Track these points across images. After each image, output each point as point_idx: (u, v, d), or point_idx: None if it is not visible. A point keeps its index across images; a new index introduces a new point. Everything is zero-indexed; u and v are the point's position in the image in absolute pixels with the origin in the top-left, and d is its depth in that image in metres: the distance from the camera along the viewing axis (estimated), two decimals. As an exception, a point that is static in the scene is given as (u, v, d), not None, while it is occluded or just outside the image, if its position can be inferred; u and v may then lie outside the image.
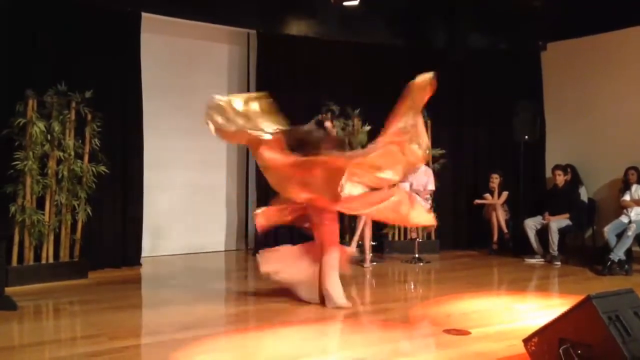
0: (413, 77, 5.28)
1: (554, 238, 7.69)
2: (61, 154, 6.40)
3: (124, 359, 3.94)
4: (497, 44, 9.14)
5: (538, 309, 5.28)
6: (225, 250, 8.69)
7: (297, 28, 8.71)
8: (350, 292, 6.40)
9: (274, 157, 5.09)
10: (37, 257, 6.30)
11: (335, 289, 5.23)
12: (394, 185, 5.52)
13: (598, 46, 8.58)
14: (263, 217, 5.55)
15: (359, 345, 4.27)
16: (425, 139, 5.15)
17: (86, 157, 6.61)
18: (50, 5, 6.68)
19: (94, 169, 6.58)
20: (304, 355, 4.00)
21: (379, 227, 8.19)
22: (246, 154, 8.79)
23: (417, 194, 7.42)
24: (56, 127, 6.31)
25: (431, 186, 7.98)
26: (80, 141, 6.56)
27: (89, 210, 6.59)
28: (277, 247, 5.85)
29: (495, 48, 9.12)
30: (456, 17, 9.14)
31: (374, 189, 5.25)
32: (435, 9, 9.01)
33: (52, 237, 6.38)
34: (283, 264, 5.51)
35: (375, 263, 7.68)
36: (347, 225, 8.26)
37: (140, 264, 7.34)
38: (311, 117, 8.22)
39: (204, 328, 4.63)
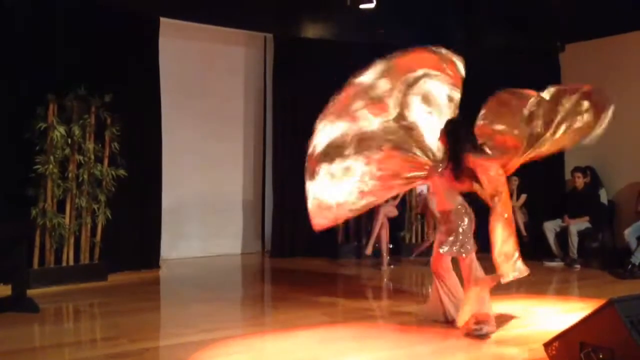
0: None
1: (574, 241, 7.61)
2: (81, 157, 6.48)
3: (143, 361, 3.98)
4: (515, 45, 9.07)
5: (558, 313, 5.22)
6: (242, 253, 8.73)
7: (313, 31, 8.73)
8: (367, 295, 6.41)
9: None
10: (58, 260, 6.38)
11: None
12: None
13: (617, 47, 8.48)
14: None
15: (376, 348, 4.25)
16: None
17: (106, 161, 6.68)
18: (69, 11, 6.76)
19: (113, 172, 6.65)
20: (321, 358, 4.01)
21: (395, 230, 8.17)
22: (262, 156, 8.83)
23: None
24: (76, 131, 6.39)
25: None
26: (100, 145, 6.64)
27: (108, 213, 6.66)
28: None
29: (513, 49, 9.05)
30: (473, 18, 9.09)
31: None
32: (452, 9, 8.97)
33: (72, 240, 6.46)
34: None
35: (392, 266, 7.66)
36: (364, 227, 8.26)
37: (159, 267, 7.40)
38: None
39: (222, 330, 4.65)
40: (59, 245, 6.35)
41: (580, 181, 8.04)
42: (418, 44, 8.98)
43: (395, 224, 8.08)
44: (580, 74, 8.93)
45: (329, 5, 8.47)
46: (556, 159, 9.01)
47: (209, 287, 6.67)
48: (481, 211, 4.99)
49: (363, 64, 8.63)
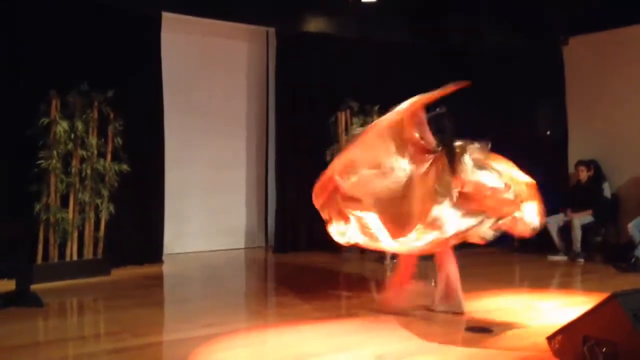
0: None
1: (577, 235, 7.60)
2: (84, 152, 6.49)
3: (146, 356, 3.99)
4: (517, 38, 9.03)
5: (561, 307, 5.22)
6: (245, 248, 8.74)
7: (315, 26, 8.72)
8: (370, 289, 6.42)
9: None
10: (62, 255, 6.40)
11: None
12: None
13: (622, 40, 8.43)
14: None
15: (380, 342, 4.26)
16: None
17: (109, 156, 6.69)
18: (72, 6, 6.76)
19: (116, 167, 6.66)
20: (324, 352, 4.01)
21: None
22: (265, 150, 8.83)
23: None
24: (79, 126, 6.40)
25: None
26: (102, 140, 6.64)
27: (111, 208, 6.67)
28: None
29: (516, 43, 9.00)
30: (476, 11, 9.05)
31: None
32: (452, 7, 8.93)
33: (75, 235, 6.48)
34: None
35: (395, 260, 7.65)
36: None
37: (162, 261, 7.41)
38: (330, 114, 8.30)
39: (225, 325, 4.65)
40: (63, 240, 6.37)
41: (583, 175, 8.02)
42: (419, 40, 9.03)
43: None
44: (584, 68, 8.90)
45: (331, 1, 8.45)
46: (559, 152, 9.01)
47: (212, 282, 6.69)
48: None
49: (365, 60, 8.69)
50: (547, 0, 8.51)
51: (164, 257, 7.49)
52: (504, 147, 9.43)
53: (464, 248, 8.95)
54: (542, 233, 7.93)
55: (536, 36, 8.96)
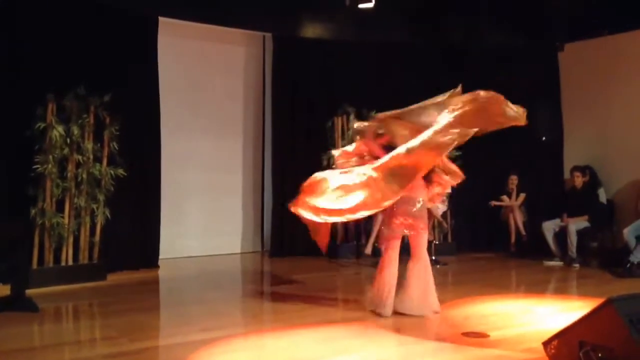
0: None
1: (573, 240, 7.62)
2: (80, 157, 6.47)
3: (143, 361, 3.98)
4: (514, 44, 9.07)
5: (557, 312, 5.23)
6: (241, 253, 8.73)
7: (312, 30, 8.73)
8: (367, 294, 6.41)
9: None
10: (57, 260, 6.37)
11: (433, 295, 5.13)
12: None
13: (616, 46, 8.49)
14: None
15: (376, 347, 4.26)
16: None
17: (105, 161, 6.68)
18: (69, 10, 6.76)
19: (112, 172, 6.65)
20: (320, 357, 4.01)
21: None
22: (262, 155, 8.83)
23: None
24: (75, 130, 6.38)
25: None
26: (99, 144, 6.63)
27: (107, 212, 6.65)
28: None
29: (512, 48, 9.04)
30: (473, 17, 9.09)
31: None
32: (452, 8, 8.96)
33: (71, 240, 6.45)
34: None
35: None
36: (363, 227, 8.26)
37: (157, 266, 7.40)
38: (327, 118, 8.31)
39: (222, 329, 4.65)
40: (58, 245, 6.35)
41: (579, 180, 8.05)
42: (417, 44, 9.04)
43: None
44: (579, 74, 8.95)
45: (328, 5, 8.47)
46: (555, 158, 9.04)
47: (208, 286, 6.67)
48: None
49: (364, 61, 8.71)
50: (543, 7, 8.55)
51: (159, 262, 7.47)
52: (499, 152, 9.51)
53: (461, 253, 9.02)
54: (538, 238, 8.04)
55: (536, 36, 8.99)
